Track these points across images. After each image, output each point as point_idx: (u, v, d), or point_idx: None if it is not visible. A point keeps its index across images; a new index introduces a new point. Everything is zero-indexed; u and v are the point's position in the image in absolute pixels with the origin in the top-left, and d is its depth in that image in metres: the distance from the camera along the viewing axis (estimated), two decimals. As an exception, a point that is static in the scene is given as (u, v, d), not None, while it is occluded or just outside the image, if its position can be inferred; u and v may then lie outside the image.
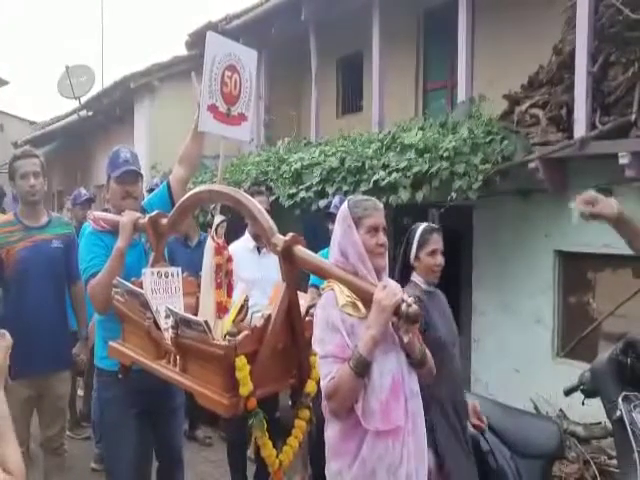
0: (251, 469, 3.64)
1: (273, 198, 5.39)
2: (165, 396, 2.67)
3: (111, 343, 2.37)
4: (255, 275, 3.36)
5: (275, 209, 5.00)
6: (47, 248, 3.14)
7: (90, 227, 2.67)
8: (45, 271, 3.11)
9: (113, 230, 2.54)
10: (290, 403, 2.26)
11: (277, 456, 1.99)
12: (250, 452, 3.79)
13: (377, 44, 6.08)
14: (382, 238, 1.90)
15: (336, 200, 3.86)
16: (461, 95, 5.21)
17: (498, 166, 4.28)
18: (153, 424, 2.76)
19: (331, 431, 1.85)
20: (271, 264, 2.59)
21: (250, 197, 2.18)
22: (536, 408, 4.28)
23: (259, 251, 3.63)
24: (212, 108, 2.33)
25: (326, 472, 1.88)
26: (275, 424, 2.85)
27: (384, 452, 1.76)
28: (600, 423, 3.72)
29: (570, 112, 4.30)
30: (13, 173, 3.11)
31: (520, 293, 4.75)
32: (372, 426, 1.76)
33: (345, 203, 1.98)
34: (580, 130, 4.13)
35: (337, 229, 1.95)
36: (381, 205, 1.96)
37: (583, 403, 2.71)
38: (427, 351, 1.91)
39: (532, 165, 4.27)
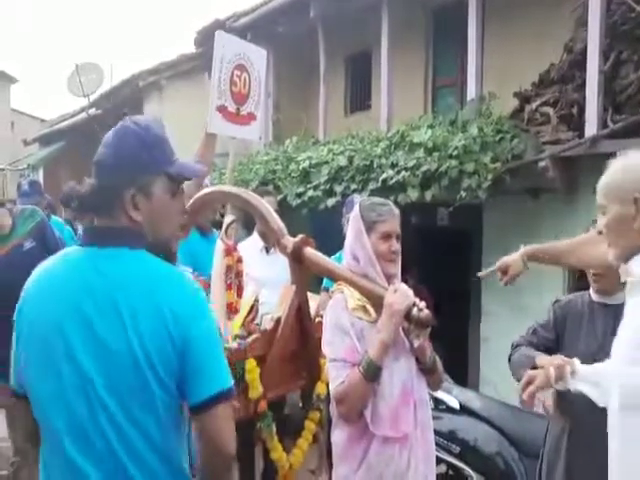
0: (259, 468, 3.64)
1: (281, 197, 5.38)
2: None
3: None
4: (263, 275, 3.35)
5: (283, 208, 4.99)
6: (20, 254, 3.03)
7: None
8: (25, 277, 3.07)
9: None
10: (300, 404, 2.26)
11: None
12: None
13: (386, 41, 6.04)
14: (395, 245, 1.85)
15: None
16: (471, 93, 5.17)
17: (508, 165, 4.25)
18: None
19: (339, 435, 1.83)
20: (279, 264, 2.58)
21: (260, 198, 2.18)
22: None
23: (267, 251, 3.62)
24: (221, 109, 2.33)
25: (333, 476, 1.86)
26: (284, 422, 2.85)
27: (391, 458, 1.74)
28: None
29: (581, 110, 4.26)
30: None
31: (529, 293, 4.71)
32: (381, 432, 1.74)
33: (358, 204, 1.92)
34: (591, 129, 4.09)
35: (349, 231, 1.92)
36: (397, 211, 1.90)
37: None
38: (437, 358, 1.89)
39: (542, 164, 4.23)
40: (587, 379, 1.61)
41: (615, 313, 1.92)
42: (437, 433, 2.71)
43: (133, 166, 1.28)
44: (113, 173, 1.29)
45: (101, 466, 1.23)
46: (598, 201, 1.60)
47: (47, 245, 3.13)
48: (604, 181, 1.58)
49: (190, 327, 1.23)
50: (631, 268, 1.53)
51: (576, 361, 1.63)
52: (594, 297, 2.18)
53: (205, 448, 1.27)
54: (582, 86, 4.27)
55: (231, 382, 1.29)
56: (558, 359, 1.67)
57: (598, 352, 1.89)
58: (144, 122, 1.34)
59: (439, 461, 2.82)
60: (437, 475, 2.24)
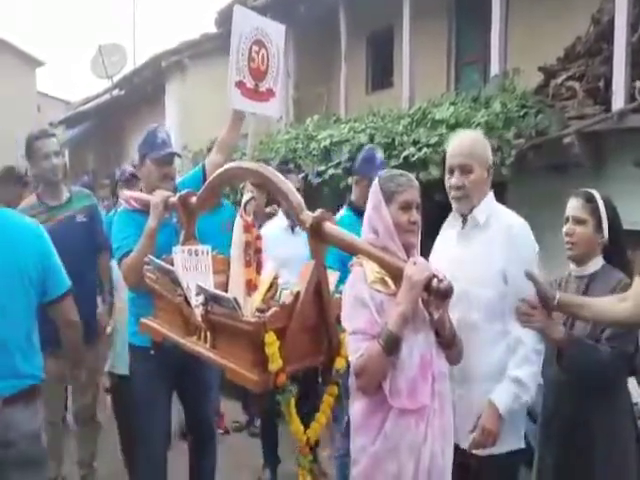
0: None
1: (302, 176, 5.37)
2: (196, 371, 2.71)
3: (143, 319, 2.41)
4: (287, 253, 3.35)
5: (304, 187, 4.97)
6: (72, 224, 3.17)
7: (122, 206, 2.71)
8: (73, 247, 3.11)
9: (145, 209, 2.57)
10: (320, 380, 2.27)
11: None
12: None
13: (408, 18, 5.95)
14: (415, 215, 1.85)
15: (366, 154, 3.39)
16: (494, 69, 5.08)
17: (532, 141, 4.18)
18: (184, 399, 2.82)
19: (357, 407, 1.84)
20: (304, 242, 2.58)
21: (279, 173, 2.17)
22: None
23: (292, 230, 3.63)
24: (240, 84, 2.32)
25: (351, 447, 1.88)
26: (305, 399, 2.88)
27: (407, 430, 1.74)
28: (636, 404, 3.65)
29: (608, 84, 4.16)
30: (33, 153, 3.09)
31: (557, 272, 4.66)
32: (399, 404, 1.74)
33: (377, 177, 1.94)
34: (618, 102, 4.00)
35: (368, 205, 1.93)
36: (416, 182, 1.91)
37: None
38: (458, 332, 1.88)
39: (568, 140, 4.15)
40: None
41: (587, 283, 2.32)
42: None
43: None
44: None
45: None
46: (463, 161, 2.08)
47: (92, 227, 3.30)
48: (471, 145, 2.10)
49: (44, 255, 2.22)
50: (475, 216, 2.10)
51: None
52: (571, 267, 2.39)
53: (61, 324, 2.31)
54: (609, 59, 4.16)
55: (69, 284, 2.29)
56: None
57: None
58: None
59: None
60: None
